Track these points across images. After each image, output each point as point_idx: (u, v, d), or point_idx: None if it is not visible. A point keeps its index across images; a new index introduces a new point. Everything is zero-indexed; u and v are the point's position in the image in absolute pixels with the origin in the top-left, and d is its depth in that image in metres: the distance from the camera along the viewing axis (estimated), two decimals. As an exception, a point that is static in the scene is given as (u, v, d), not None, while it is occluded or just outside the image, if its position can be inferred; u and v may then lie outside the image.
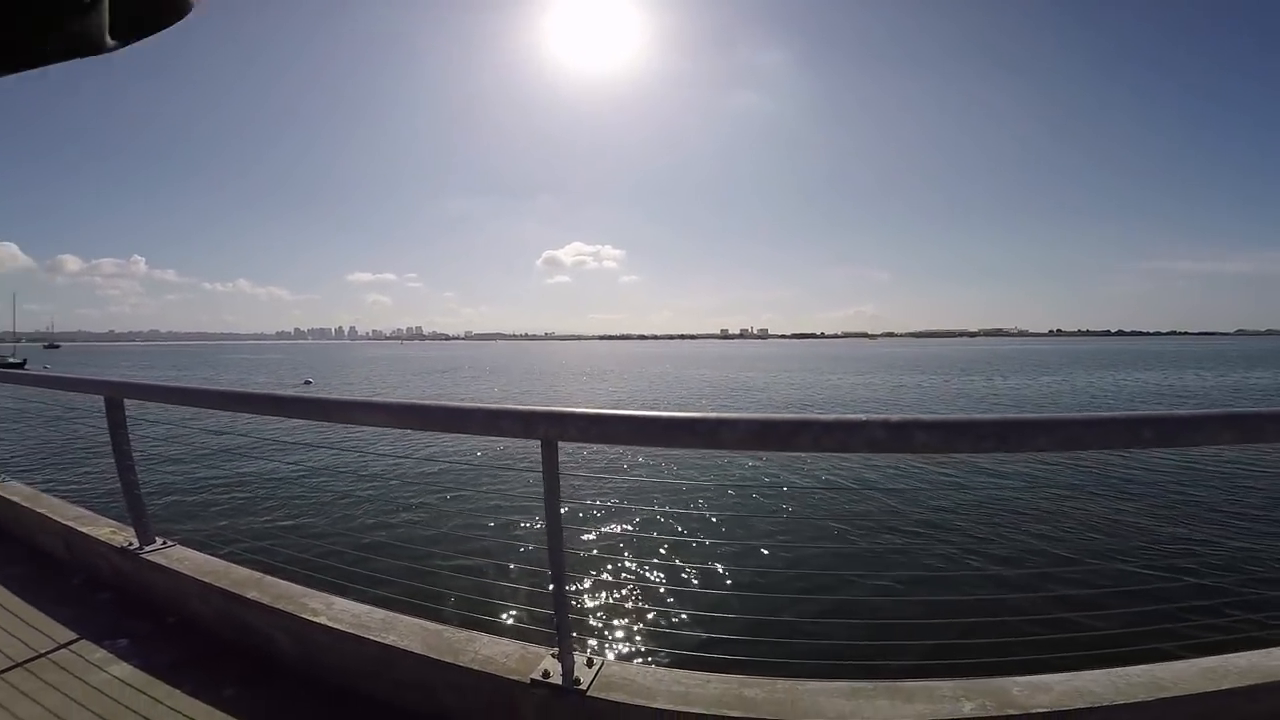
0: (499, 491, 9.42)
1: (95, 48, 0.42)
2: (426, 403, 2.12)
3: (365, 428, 2.31)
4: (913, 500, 8.99)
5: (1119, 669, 1.86)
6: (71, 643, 2.56)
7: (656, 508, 8.43)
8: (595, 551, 5.73)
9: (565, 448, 1.93)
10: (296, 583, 2.66)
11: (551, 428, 1.85)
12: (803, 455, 11.07)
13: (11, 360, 61.38)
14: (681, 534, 7.24)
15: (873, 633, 4.02)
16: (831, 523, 8.11)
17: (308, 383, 39.33)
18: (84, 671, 2.34)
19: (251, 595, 2.53)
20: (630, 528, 7.27)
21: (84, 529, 3.31)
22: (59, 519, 3.48)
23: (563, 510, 1.93)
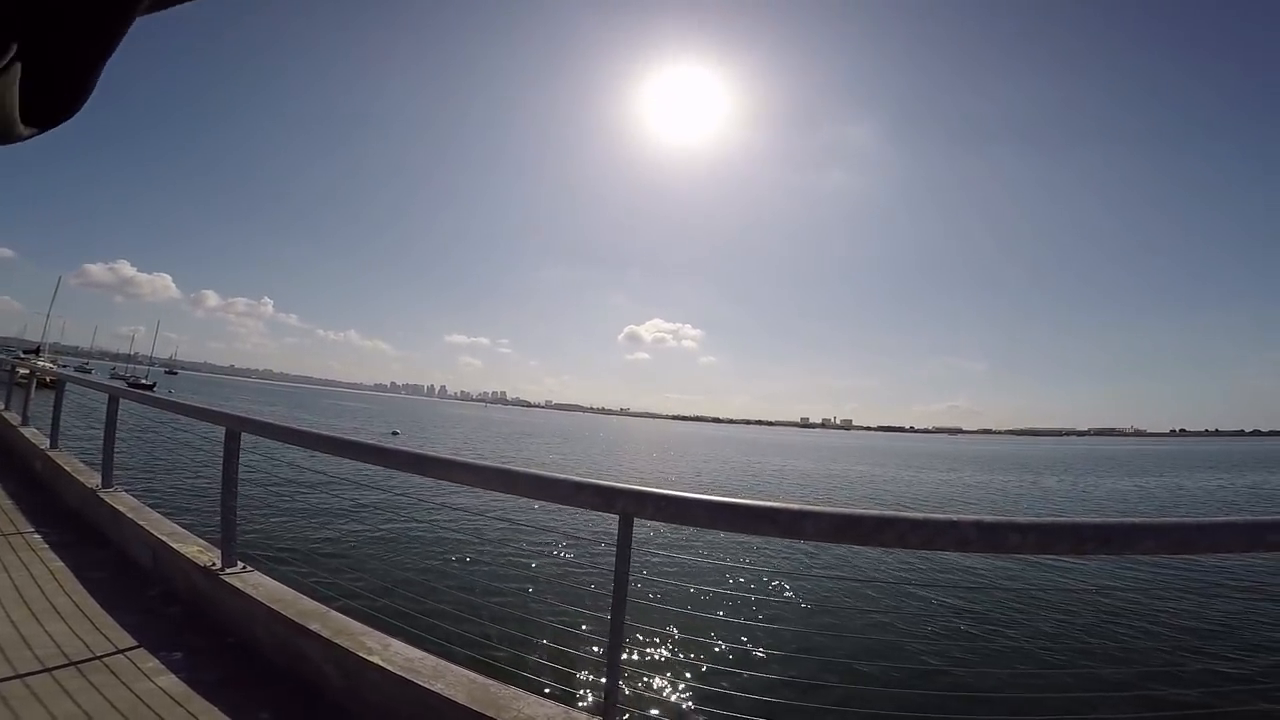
0: (566, 556, 9.56)
1: None
2: (516, 469, 2.23)
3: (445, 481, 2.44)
4: (991, 603, 8.46)
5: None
6: (129, 649, 2.66)
7: (720, 590, 8.26)
8: (653, 625, 5.59)
9: (640, 523, 1.98)
10: (358, 619, 2.71)
11: (630, 504, 1.93)
12: (878, 550, 10.74)
13: (145, 381, 68.01)
14: (741, 617, 7.04)
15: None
16: (897, 620, 7.75)
17: (394, 434, 41.02)
18: (132, 678, 2.42)
19: (313, 627, 2.59)
20: (691, 606, 7.08)
21: (174, 544, 3.50)
22: (154, 532, 3.71)
23: (630, 583, 1.96)
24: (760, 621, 7.11)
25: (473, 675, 2.30)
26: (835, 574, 10.10)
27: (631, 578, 1.96)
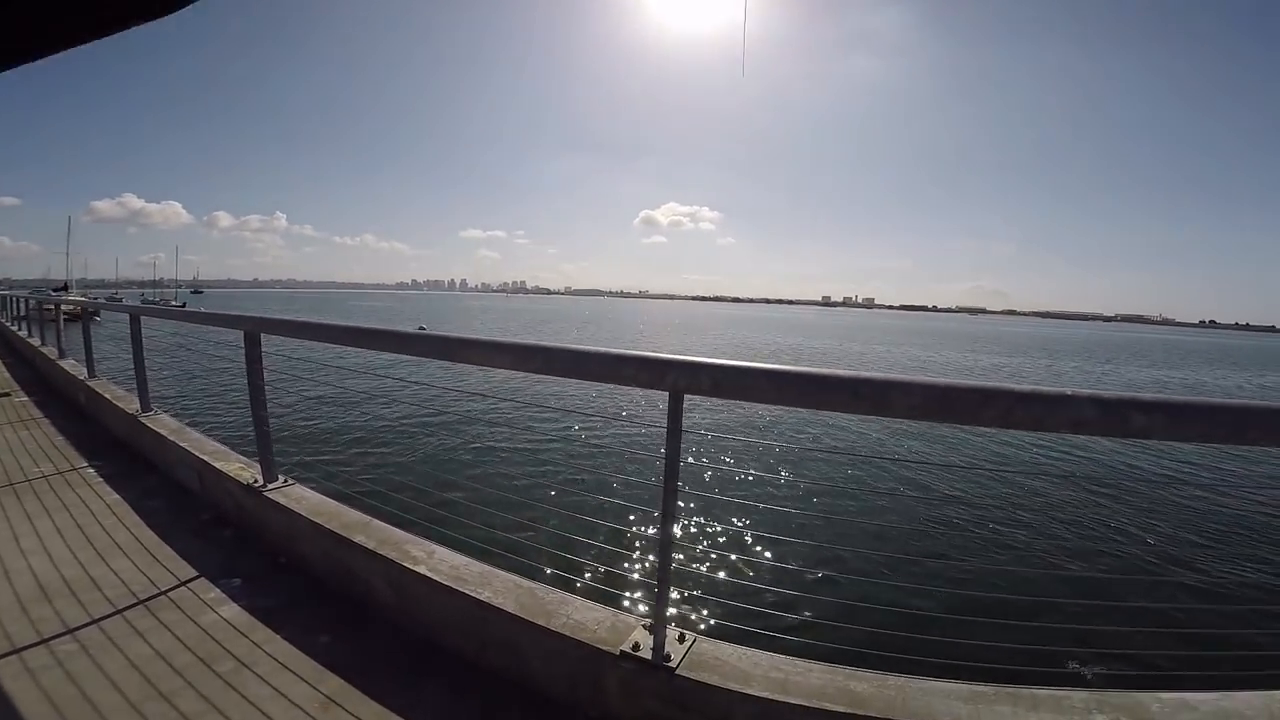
0: (613, 445, 9.23)
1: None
2: (550, 345, 1.98)
3: (480, 372, 2.22)
4: (1059, 490, 8.13)
5: (1277, 692, 1.62)
6: (191, 580, 2.71)
7: (777, 475, 7.92)
8: (704, 518, 5.39)
9: (692, 402, 1.76)
10: (401, 527, 2.71)
11: (682, 378, 1.68)
12: (946, 431, 10.22)
13: (174, 303, 69.97)
14: (799, 508, 6.69)
15: (996, 633, 3.61)
16: (962, 509, 7.41)
17: (421, 329, 41.74)
18: (197, 611, 2.45)
19: (358, 539, 2.59)
20: (745, 495, 6.85)
21: (217, 464, 3.53)
22: (196, 453, 3.74)
23: (681, 470, 1.79)
24: (813, 511, 6.72)
25: (519, 580, 2.29)
26: (914, 456, 9.58)
27: (683, 464, 1.78)
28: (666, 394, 1.72)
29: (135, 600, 2.53)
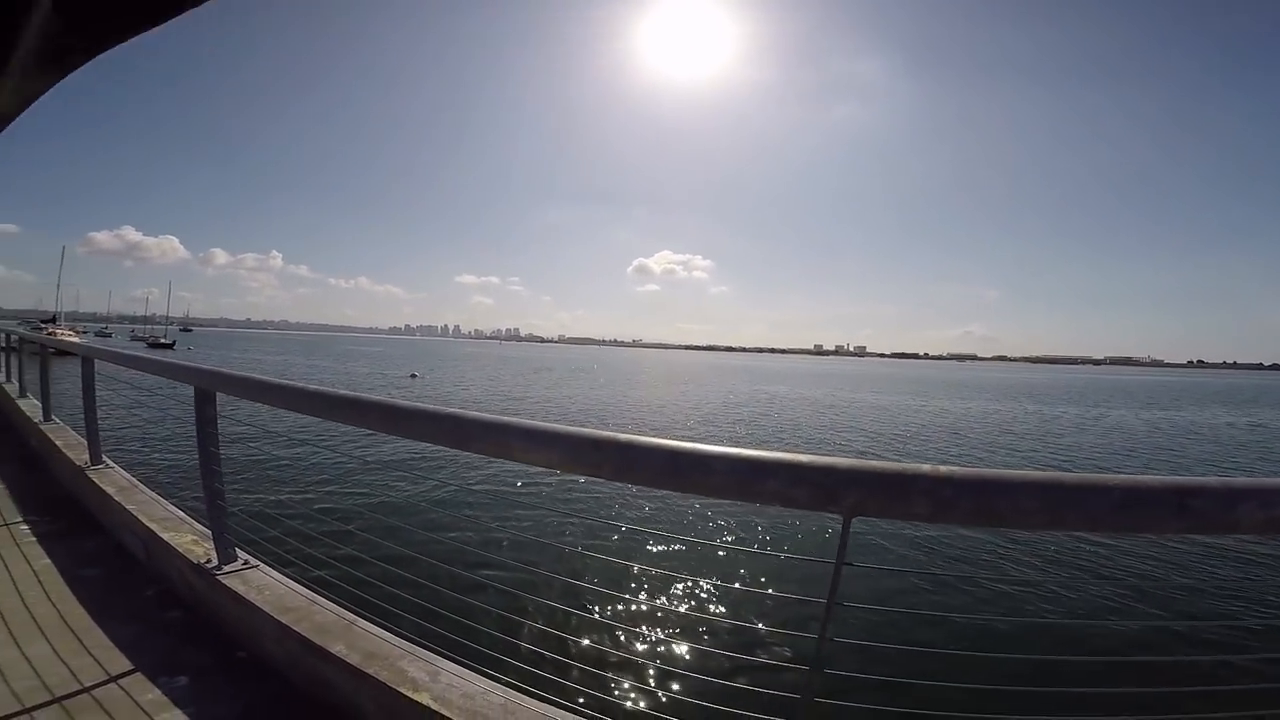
0: (687, 537, 7.18)
1: None
2: (639, 441, 1.25)
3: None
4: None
5: None
6: (124, 675, 2.11)
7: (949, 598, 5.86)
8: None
9: None
10: (394, 634, 2.05)
11: (863, 495, 1.05)
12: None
13: (164, 341, 69.26)
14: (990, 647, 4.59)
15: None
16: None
17: (414, 375, 40.81)
18: (128, 717, 1.88)
19: (337, 650, 1.94)
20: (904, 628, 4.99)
21: (165, 534, 2.88)
22: (143, 519, 3.09)
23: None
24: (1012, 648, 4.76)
25: (561, 715, 1.65)
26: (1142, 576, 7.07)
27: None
28: (839, 517, 1.10)
29: (50, 698, 1.94)
